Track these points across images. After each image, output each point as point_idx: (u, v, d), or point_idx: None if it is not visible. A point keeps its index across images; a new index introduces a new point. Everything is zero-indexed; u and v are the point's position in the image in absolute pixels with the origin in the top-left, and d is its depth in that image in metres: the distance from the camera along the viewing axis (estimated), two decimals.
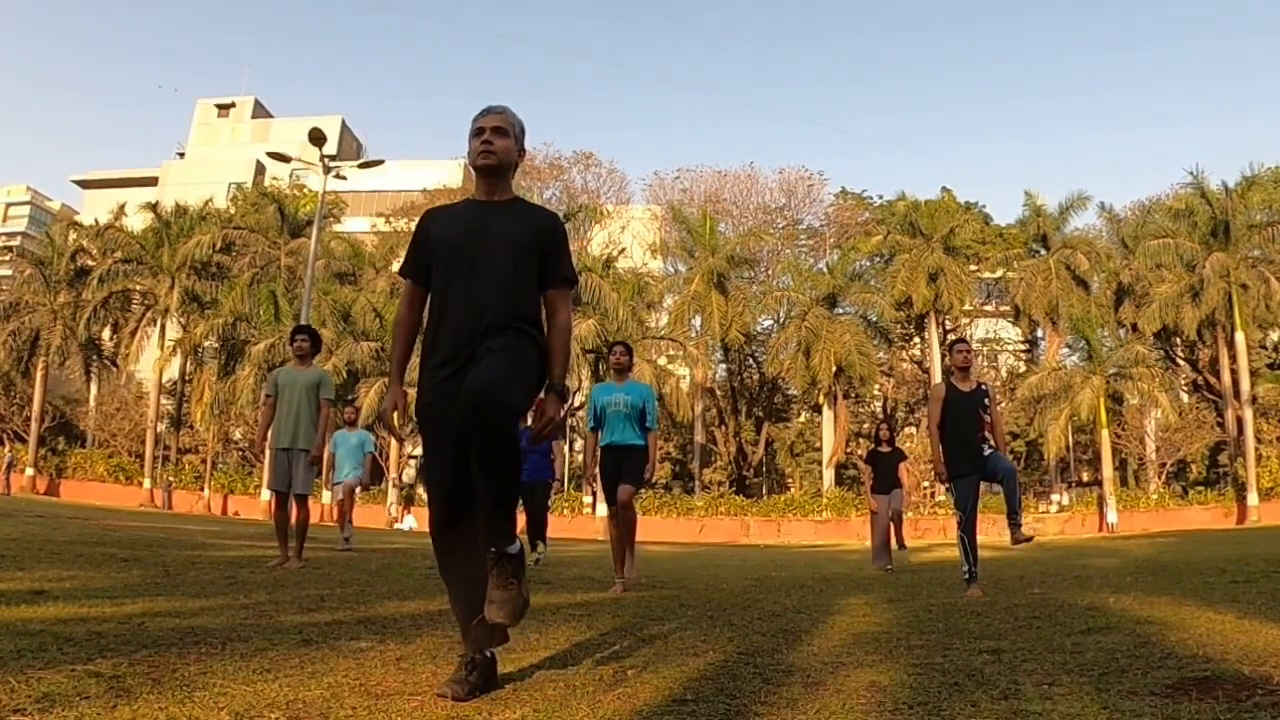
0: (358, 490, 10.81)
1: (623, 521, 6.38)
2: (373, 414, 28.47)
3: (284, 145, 31.19)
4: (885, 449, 10.52)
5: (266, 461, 7.18)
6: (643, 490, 6.51)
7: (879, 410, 44.43)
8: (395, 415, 2.82)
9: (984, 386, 6.49)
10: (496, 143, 2.75)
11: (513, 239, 2.68)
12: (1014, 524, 6.24)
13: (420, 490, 41.93)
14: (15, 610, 3.66)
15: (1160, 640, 3.42)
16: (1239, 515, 32.16)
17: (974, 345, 44.48)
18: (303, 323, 19.55)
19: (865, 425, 43.03)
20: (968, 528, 6.21)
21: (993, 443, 6.33)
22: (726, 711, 2.34)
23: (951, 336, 42.56)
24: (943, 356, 39.35)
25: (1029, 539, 6.07)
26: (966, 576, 6.14)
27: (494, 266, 2.65)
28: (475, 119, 2.80)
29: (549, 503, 10.27)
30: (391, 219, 48.18)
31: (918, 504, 34.00)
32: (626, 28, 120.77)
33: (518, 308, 2.66)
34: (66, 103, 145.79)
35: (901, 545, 10.61)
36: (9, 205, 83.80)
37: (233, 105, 63.82)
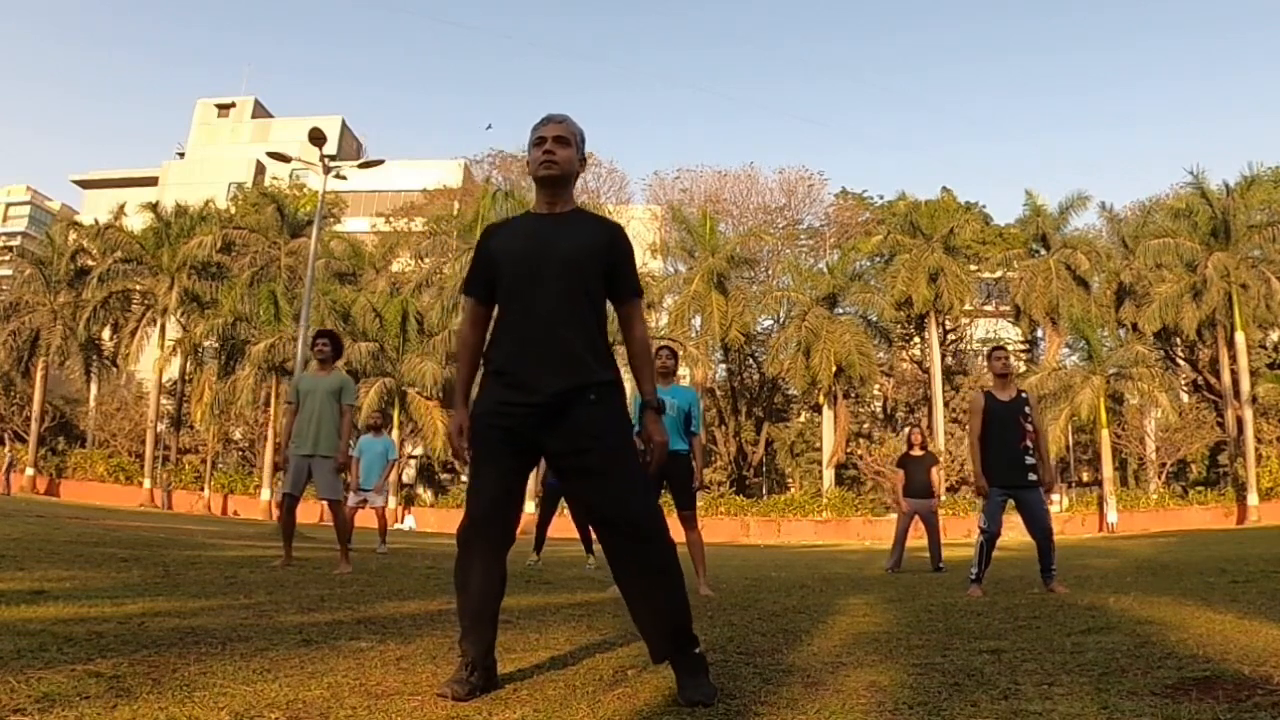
0: (375, 503, 10.79)
1: (690, 544, 6.33)
2: (373, 415, 28.43)
3: (284, 145, 31.17)
4: (917, 453, 10.35)
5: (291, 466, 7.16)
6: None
7: (879, 410, 44.42)
8: (461, 439, 2.71)
9: (1024, 394, 6.41)
10: (559, 152, 2.70)
11: (579, 253, 2.63)
12: (1047, 577, 6.20)
13: (420, 490, 41.95)
14: (15, 610, 3.66)
15: (1160, 640, 3.42)
16: (1239, 515, 32.15)
17: (974, 345, 44.53)
18: (302, 322, 19.52)
19: (865, 425, 43.03)
20: (991, 538, 6.21)
21: (1034, 453, 6.24)
22: (726, 711, 2.33)
23: (952, 336, 42.62)
24: (943, 356, 39.36)
25: (1063, 594, 5.87)
26: (972, 577, 6.17)
27: (561, 283, 2.60)
28: (535, 127, 2.75)
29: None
30: (391, 219, 48.21)
31: None
32: (627, 27, 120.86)
33: (589, 332, 2.62)
34: (67, 102, 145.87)
35: (939, 565, 9.67)
36: (9, 205, 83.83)
37: (233, 105, 63.82)
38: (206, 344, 38.66)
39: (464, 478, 40.09)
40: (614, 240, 2.72)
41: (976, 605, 5.16)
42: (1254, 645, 3.20)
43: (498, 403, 2.59)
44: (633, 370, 2.75)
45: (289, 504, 7.31)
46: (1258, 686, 2.48)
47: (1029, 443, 6.23)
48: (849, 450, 38.77)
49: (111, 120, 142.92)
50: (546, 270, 2.61)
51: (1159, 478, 37.65)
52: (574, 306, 2.60)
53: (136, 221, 39.81)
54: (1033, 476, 6.22)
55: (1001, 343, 7.82)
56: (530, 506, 13.71)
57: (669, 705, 2.40)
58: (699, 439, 6.39)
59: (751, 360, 44.44)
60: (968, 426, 6.61)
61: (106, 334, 40.44)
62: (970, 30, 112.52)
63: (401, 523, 33.33)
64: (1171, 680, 2.60)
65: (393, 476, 35.39)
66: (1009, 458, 6.19)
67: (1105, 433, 34.63)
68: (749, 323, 39.44)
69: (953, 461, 36.26)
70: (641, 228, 44.66)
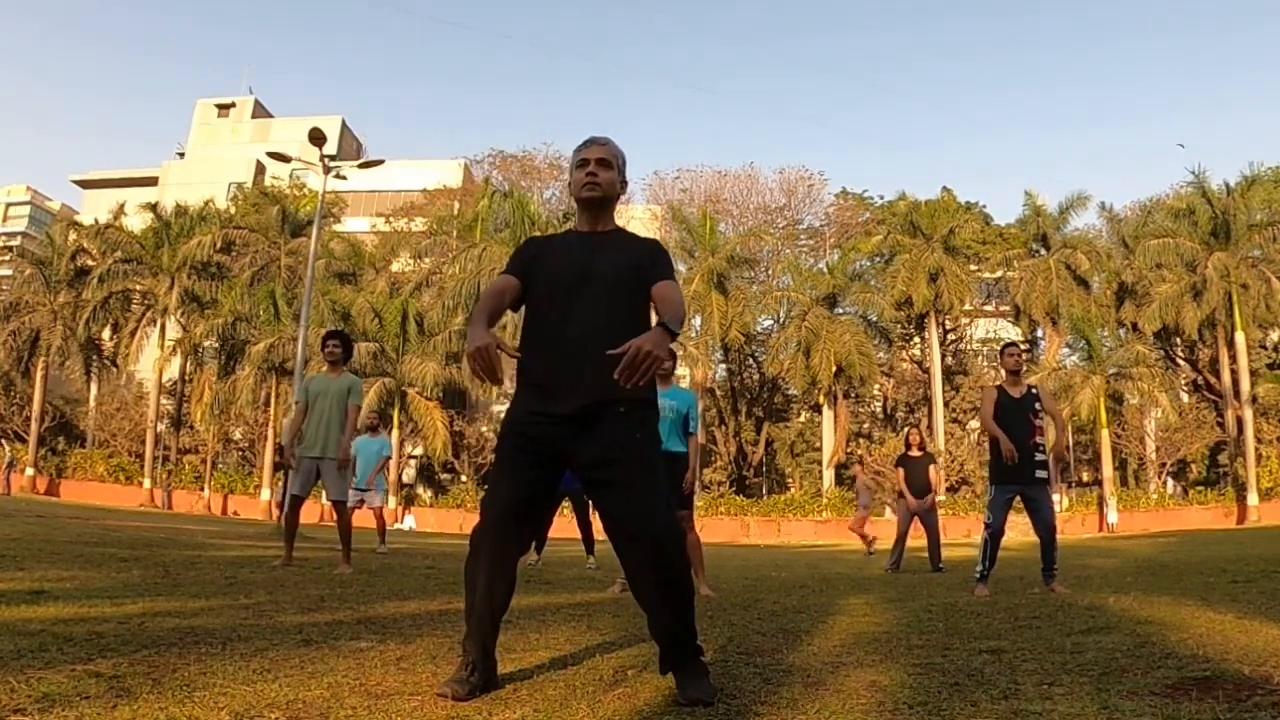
0: (368, 504, 10.93)
1: (688, 547, 6.29)
2: (370, 413, 28.39)
3: (284, 145, 31.15)
4: (915, 453, 10.38)
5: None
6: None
7: (879, 410, 44.42)
8: (481, 357, 2.45)
9: (1034, 390, 6.50)
10: (601, 175, 2.75)
11: (620, 270, 2.67)
12: (1047, 576, 6.22)
13: (420, 490, 41.94)
14: (15, 610, 3.66)
15: (1160, 640, 3.42)
16: (1239, 515, 32.16)
17: (974, 345, 44.44)
18: (302, 322, 19.51)
19: (865, 425, 43.03)
20: (995, 534, 6.24)
21: (1045, 448, 6.31)
22: (727, 711, 2.34)
23: (952, 336, 42.59)
24: (943, 356, 39.32)
25: (1063, 594, 5.88)
26: (978, 575, 6.20)
27: (600, 300, 2.64)
28: (578, 150, 2.80)
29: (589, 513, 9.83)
30: (391, 219, 48.20)
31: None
32: (627, 27, 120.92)
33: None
34: (67, 102, 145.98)
35: (939, 565, 9.71)
36: (9, 205, 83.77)
37: (233, 105, 63.79)
38: (206, 344, 38.66)
39: (464, 478, 40.12)
40: (654, 254, 2.76)
41: (976, 605, 5.16)
42: (1254, 645, 3.20)
43: (529, 413, 2.62)
44: (658, 320, 2.61)
45: (295, 505, 7.33)
46: (1258, 686, 2.48)
47: (1039, 439, 6.29)
48: (849, 450, 38.77)
49: (111, 120, 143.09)
50: (586, 286, 2.64)
51: (1159, 478, 37.65)
52: (612, 323, 2.62)
53: (136, 221, 39.81)
54: (1041, 473, 6.26)
55: (1014, 340, 8.05)
56: None
57: (669, 705, 2.40)
58: (695, 439, 6.38)
59: (751, 360, 44.44)
60: (980, 412, 6.72)
61: (106, 334, 40.45)
62: (971, 30, 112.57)
63: (401, 523, 33.33)
64: (1171, 680, 2.60)
65: (391, 476, 35.58)
66: (1019, 454, 6.22)
67: (1105, 433, 34.63)
68: (749, 323, 39.44)
69: (952, 461, 36.25)
70: (641, 228, 44.67)
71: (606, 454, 2.54)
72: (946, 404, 38.49)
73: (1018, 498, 6.29)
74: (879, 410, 44.50)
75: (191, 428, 40.42)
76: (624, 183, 2.87)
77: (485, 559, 2.59)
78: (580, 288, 2.64)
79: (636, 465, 2.55)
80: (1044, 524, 6.24)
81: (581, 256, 2.71)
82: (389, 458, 11.31)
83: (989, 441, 6.47)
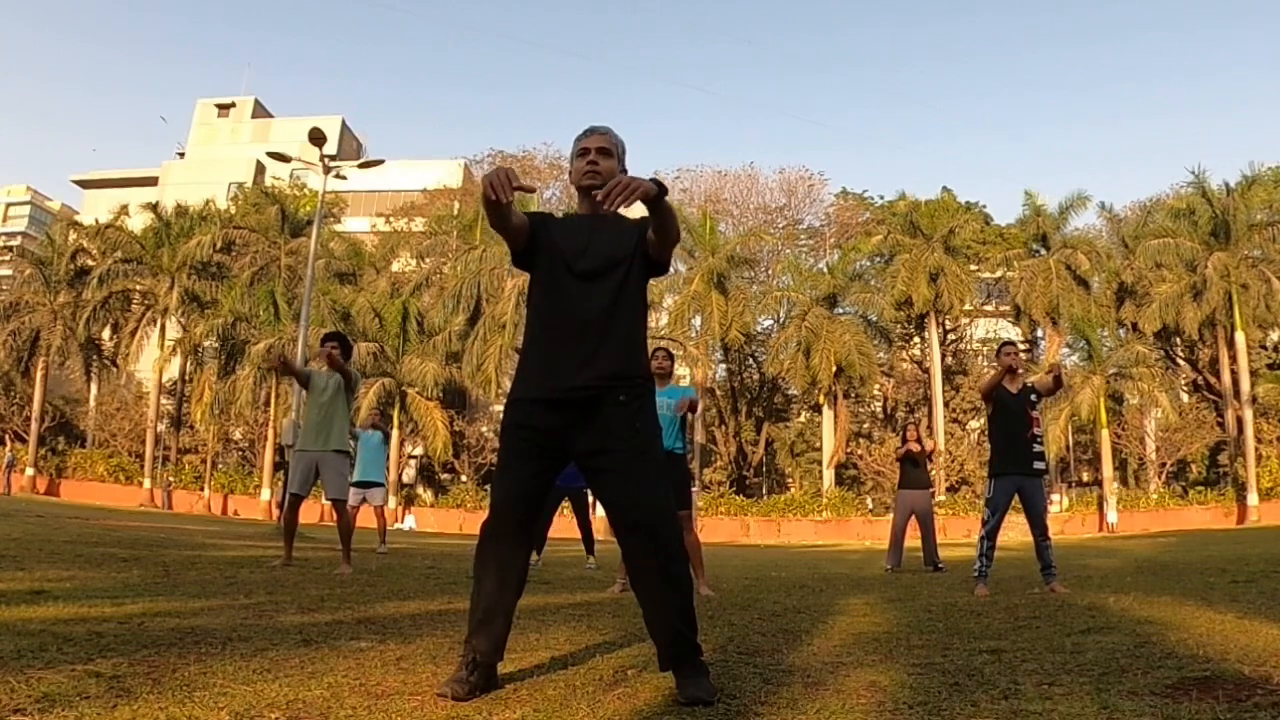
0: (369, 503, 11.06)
1: (687, 547, 6.34)
2: (372, 413, 28.36)
3: (284, 145, 31.10)
4: (914, 447, 10.48)
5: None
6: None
7: (879, 410, 44.40)
8: (513, 174, 2.50)
9: (1029, 384, 6.59)
10: (601, 163, 2.78)
11: (620, 249, 2.70)
12: (1047, 576, 6.24)
13: (420, 490, 41.93)
14: (15, 610, 3.66)
15: (1160, 640, 3.42)
16: (1239, 515, 32.15)
17: (974, 345, 44.45)
18: (302, 322, 19.51)
19: (865, 425, 43.02)
20: (992, 531, 6.25)
21: (1043, 440, 6.42)
22: (727, 711, 2.33)
23: (952, 336, 42.59)
24: (943, 356, 39.31)
25: (1063, 594, 5.88)
26: (976, 573, 6.19)
27: (600, 279, 2.66)
28: (579, 139, 2.84)
29: (589, 512, 9.91)
30: (391, 219, 48.20)
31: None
32: (627, 26, 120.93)
33: (624, 329, 2.66)
34: (68, 102, 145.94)
35: (937, 564, 9.72)
36: (9, 205, 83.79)
37: (233, 105, 63.78)
38: (206, 344, 38.66)
39: (464, 478, 40.11)
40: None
41: (976, 605, 5.16)
42: (1254, 645, 3.20)
43: (529, 402, 2.63)
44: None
45: (294, 504, 7.30)
46: (1258, 686, 2.48)
47: (1036, 430, 6.35)
48: (849, 450, 38.76)
49: (111, 120, 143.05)
50: (585, 265, 2.67)
51: (1159, 478, 37.64)
52: (612, 302, 2.65)
53: (136, 221, 39.80)
54: (1039, 464, 6.31)
55: (1011, 339, 8.24)
56: None
57: (669, 705, 2.40)
58: (694, 399, 6.36)
59: (751, 360, 44.42)
60: (981, 384, 6.85)
61: (106, 334, 40.44)
62: (971, 30, 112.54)
63: (401, 523, 33.33)
64: (1171, 680, 2.60)
65: (392, 476, 35.56)
66: (1015, 449, 6.28)
67: (1105, 433, 34.63)
68: (749, 323, 39.43)
69: (952, 461, 36.24)
70: None
71: (605, 443, 2.57)
72: (946, 404, 38.48)
73: (1016, 496, 6.30)
74: (879, 410, 44.49)
75: (191, 428, 40.41)
76: (624, 171, 2.89)
77: (495, 551, 2.62)
78: (580, 266, 2.67)
79: (635, 454, 2.57)
80: (1038, 522, 6.27)
81: (583, 235, 2.75)
82: (388, 436, 11.92)
83: (990, 431, 6.54)
